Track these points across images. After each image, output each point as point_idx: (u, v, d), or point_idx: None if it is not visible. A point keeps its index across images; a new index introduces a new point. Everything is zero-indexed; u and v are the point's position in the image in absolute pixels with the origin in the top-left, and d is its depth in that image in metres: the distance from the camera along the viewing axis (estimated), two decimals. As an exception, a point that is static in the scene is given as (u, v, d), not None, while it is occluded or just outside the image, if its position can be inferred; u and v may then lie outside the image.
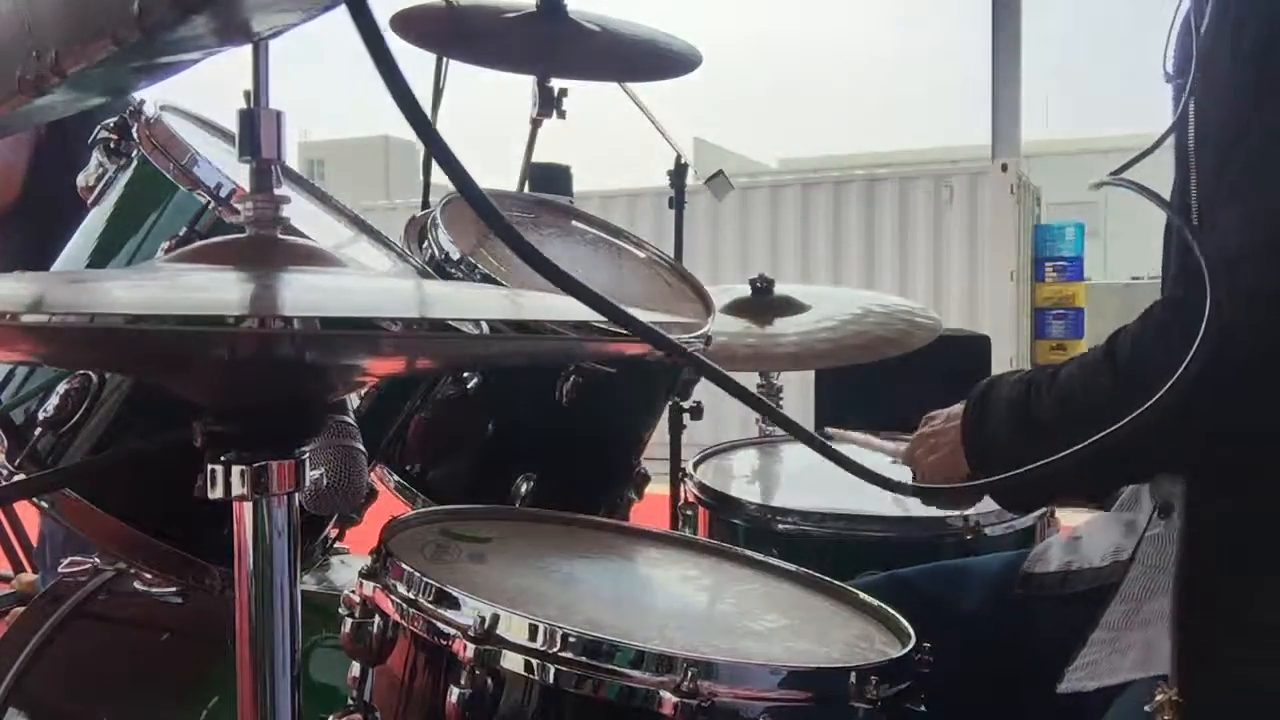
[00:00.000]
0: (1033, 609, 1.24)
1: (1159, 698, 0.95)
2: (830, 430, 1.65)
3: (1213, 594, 1.02)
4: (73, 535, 1.25)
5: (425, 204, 2.12)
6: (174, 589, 1.43)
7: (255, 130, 0.83)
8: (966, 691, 1.13)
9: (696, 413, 2.08)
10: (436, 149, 0.56)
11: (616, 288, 1.78)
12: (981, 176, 8.21)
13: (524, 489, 1.51)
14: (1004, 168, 7.71)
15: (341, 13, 0.64)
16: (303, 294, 0.79)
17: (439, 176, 2.27)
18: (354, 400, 1.26)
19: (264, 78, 0.83)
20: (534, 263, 0.63)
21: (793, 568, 1.25)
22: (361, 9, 0.52)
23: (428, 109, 2.31)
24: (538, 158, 2.48)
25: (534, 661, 0.90)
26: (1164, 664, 1.02)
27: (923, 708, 0.96)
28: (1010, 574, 1.29)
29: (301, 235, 1.11)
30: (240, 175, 0.99)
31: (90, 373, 1.17)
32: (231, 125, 0.85)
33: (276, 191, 0.86)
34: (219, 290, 0.78)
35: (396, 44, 2.03)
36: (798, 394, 2.88)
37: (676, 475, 2.12)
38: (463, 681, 0.90)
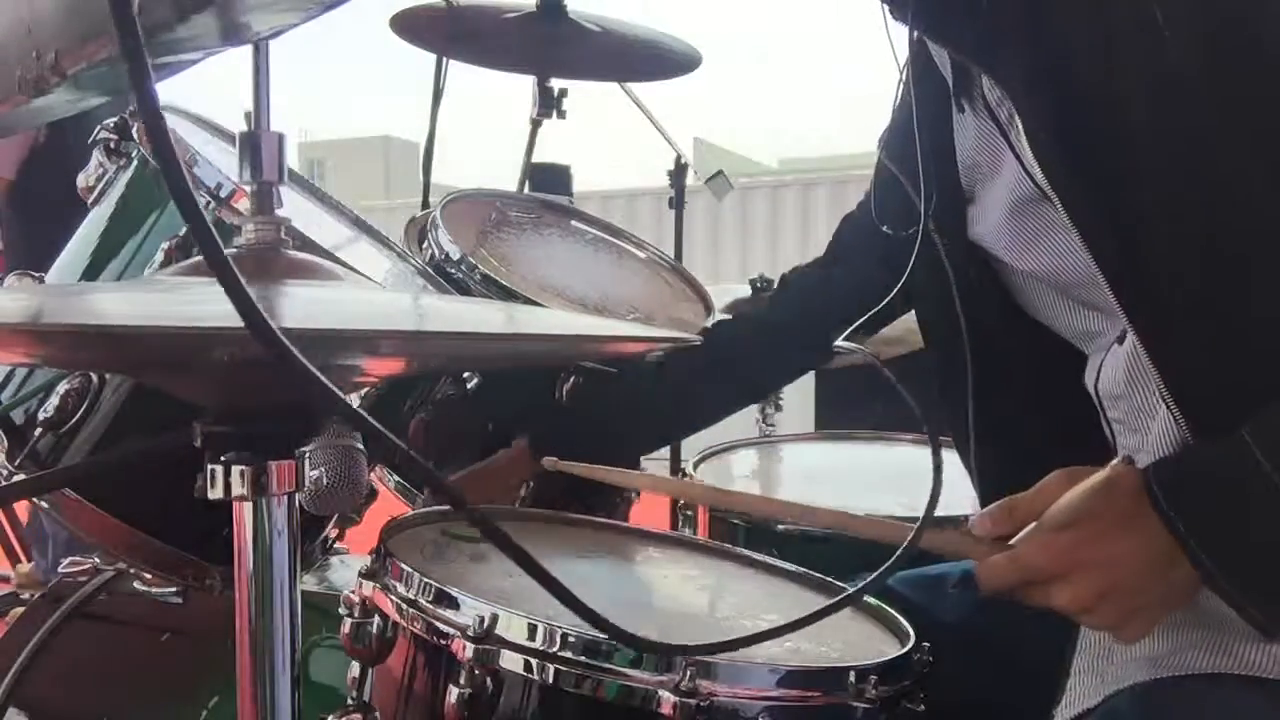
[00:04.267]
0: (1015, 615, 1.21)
1: None
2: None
3: None
4: (73, 535, 1.25)
5: (425, 204, 2.13)
6: (174, 589, 1.43)
7: (257, 152, 0.83)
8: (949, 699, 1.10)
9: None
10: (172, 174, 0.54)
11: (616, 288, 1.78)
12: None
13: (524, 489, 1.51)
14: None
15: (342, 13, 0.64)
16: (300, 308, 0.79)
17: (439, 176, 2.28)
18: (354, 400, 1.26)
19: (264, 78, 0.83)
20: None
21: (793, 568, 1.25)
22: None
23: (428, 109, 2.32)
24: (538, 158, 2.48)
25: (533, 661, 0.90)
26: (1168, 669, 0.97)
27: (921, 707, 0.96)
28: None
29: (302, 236, 1.12)
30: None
31: (90, 373, 1.17)
32: (232, 127, 0.85)
33: (278, 213, 0.86)
34: (215, 304, 0.78)
35: (396, 44, 2.03)
36: (798, 394, 2.87)
37: (676, 475, 2.12)
38: (462, 681, 0.90)
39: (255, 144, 0.82)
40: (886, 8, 1.05)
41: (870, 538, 1.02)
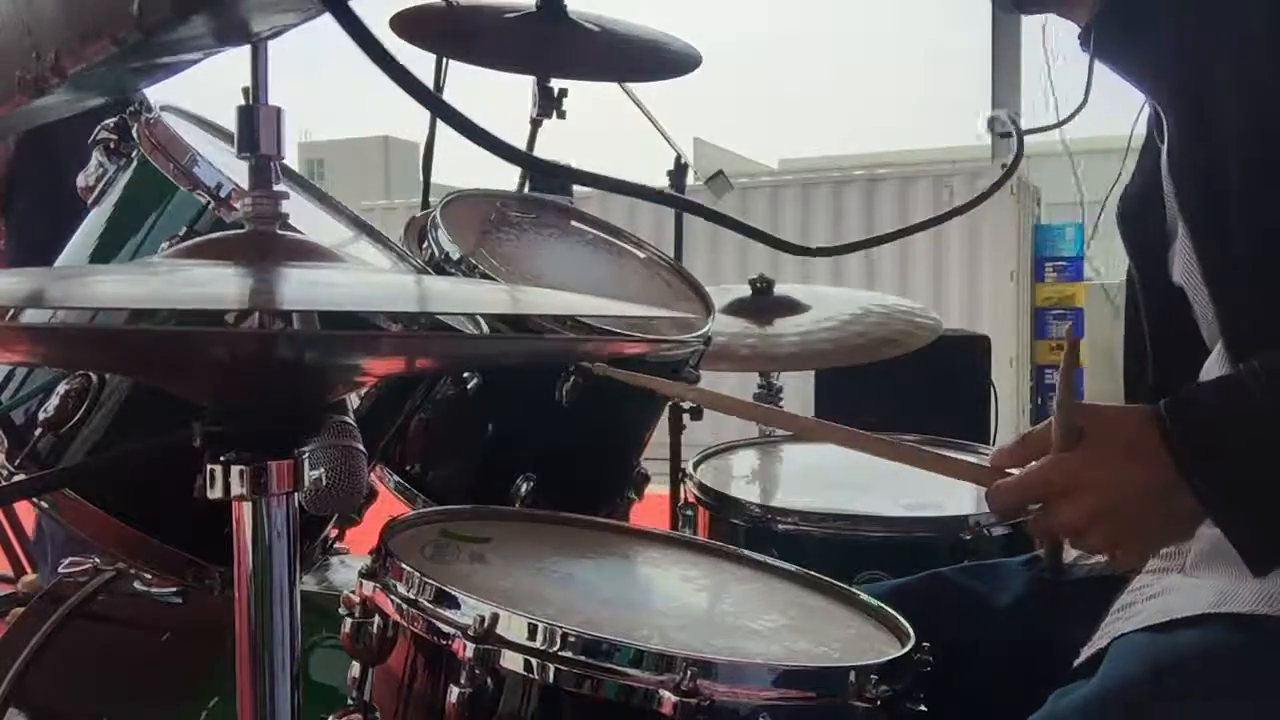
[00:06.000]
0: (1066, 604, 1.23)
1: None
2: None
3: None
4: (73, 535, 1.25)
5: (425, 204, 2.12)
6: (174, 589, 1.43)
7: (254, 126, 0.83)
8: (1000, 684, 1.12)
9: (696, 413, 2.08)
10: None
11: (616, 288, 1.78)
12: (981, 177, 8.21)
13: (524, 489, 1.51)
14: (1004, 168, 7.72)
15: (341, 13, 0.64)
16: (301, 289, 0.79)
17: (439, 176, 2.27)
18: (354, 400, 1.26)
19: (263, 78, 0.84)
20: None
21: (793, 568, 1.25)
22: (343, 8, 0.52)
23: (427, 110, 2.31)
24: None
25: (534, 661, 0.90)
26: (1186, 609, 0.98)
27: (922, 706, 0.96)
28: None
29: (300, 235, 1.12)
30: (240, 175, 0.99)
31: (90, 373, 1.17)
32: (231, 126, 0.85)
33: (275, 187, 0.85)
34: (217, 285, 0.78)
35: (396, 44, 2.03)
36: (798, 394, 2.88)
37: (676, 475, 2.12)
38: (462, 681, 0.90)
39: (252, 118, 0.82)
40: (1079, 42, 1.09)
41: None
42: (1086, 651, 1.03)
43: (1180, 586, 1.02)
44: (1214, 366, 1.05)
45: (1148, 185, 1.12)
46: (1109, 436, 0.94)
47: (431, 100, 0.60)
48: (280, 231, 0.87)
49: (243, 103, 0.84)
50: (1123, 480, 0.92)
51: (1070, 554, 1.22)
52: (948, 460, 1.03)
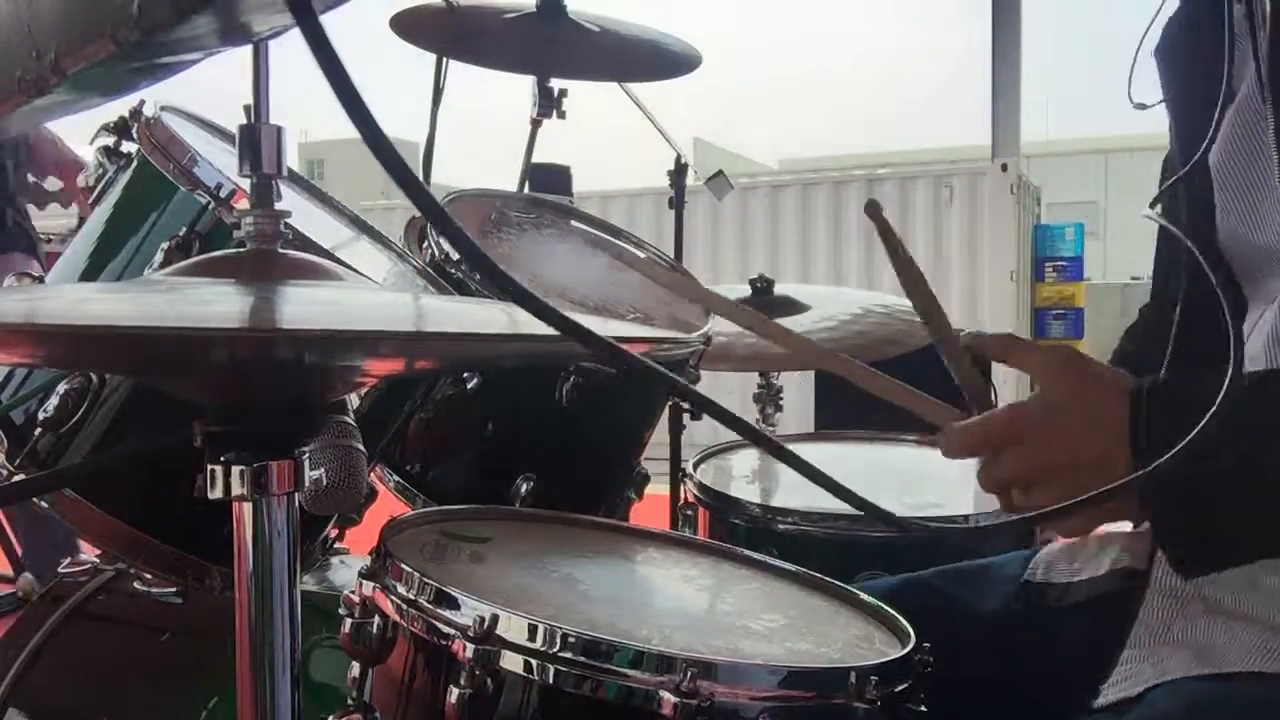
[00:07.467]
0: (1048, 610, 1.21)
1: None
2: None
3: None
4: (52, 538, 1.25)
5: (425, 204, 2.12)
6: (174, 589, 1.43)
7: (256, 144, 0.83)
8: (981, 693, 1.12)
9: (696, 413, 2.09)
10: (379, 147, 0.54)
11: (616, 288, 1.78)
12: (981, 176, 8.21)
13: (524, 489, 1.51)
14: (1004, 168, 7.72)
15: (342, 13, 0.64)
16: (300, 309, 0.79)
17: (439, 177, 2.28)
18: (354, 400, 1.26)
19: (264, 78, 0.84)
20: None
21: (793, 568, 1.25)
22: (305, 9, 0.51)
23: (427, 110, 2.32)
24: (538, 158, 2.49)
25: (533, 661, 0.90)
26: (1215, 664, 0.96)
27: (923, 707, 0.96)
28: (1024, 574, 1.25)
29: (302, 236, 1.12)
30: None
31: (90, 373, 1.17)
32: (232, 127, 0.85)
33: (277, 206, 0.86)
34: (216, 305, 0.78)
35: (396, 44, 2.03)
36: (798, 394, 2.88)
37: (676, 475, 2.12)
38: (462, 681, 0.90)
39: (254, 137, 0.82)
40: None
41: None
42: (1111, 695, 1.00)
43: (1210, 628, 0.98)
44: (1258, 335, 1.03)
45: (1211, 20, 1.06)
46: (1079, 395, 0.96)
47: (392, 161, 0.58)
48: (281, 250, 0.88)
49: (244, 117, 0.84)
50: (1080, 445, 0.94)
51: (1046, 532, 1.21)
52: (920, 398, 1.07)
